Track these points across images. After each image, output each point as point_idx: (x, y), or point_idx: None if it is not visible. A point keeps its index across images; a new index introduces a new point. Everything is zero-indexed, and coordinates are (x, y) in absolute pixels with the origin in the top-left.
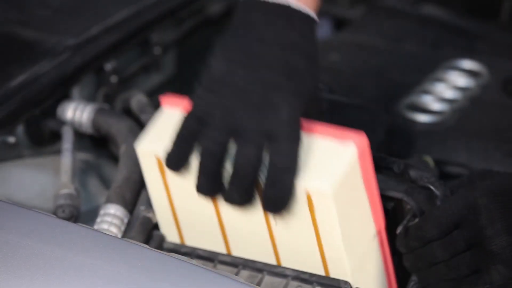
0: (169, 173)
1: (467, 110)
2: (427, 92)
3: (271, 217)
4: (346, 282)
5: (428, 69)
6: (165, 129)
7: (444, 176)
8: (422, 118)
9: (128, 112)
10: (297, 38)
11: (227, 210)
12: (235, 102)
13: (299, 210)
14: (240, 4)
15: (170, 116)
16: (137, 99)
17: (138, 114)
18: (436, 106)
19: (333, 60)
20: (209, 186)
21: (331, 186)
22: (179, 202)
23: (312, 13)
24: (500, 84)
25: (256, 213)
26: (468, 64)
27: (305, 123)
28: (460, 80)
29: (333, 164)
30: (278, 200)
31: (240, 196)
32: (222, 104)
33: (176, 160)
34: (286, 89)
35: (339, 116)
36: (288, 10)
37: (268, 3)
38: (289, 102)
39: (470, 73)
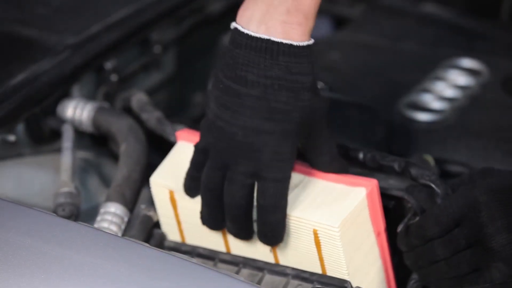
0: (180, 203)
1: (467, 108)
2: (427, 90)
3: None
4: (346, 281)
5: (428, 67)
6: (179, 163)
7: (444, 175)
8: (422, 116)
9: (128, 111)
10: (281, 74)
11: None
12: (223, 144)
13: (305, 245)
14: (230, 35)
15: (185, 151)
16: (138, 98)
17: (138, 112)
18: (436, 104)
19: (333, 59)
20: (210, 217)
21: (338, 224)
22: (188, 230)
23: (298, 41)
24: (500, 82)
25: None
26: (468, 63)
27: (319, 172)
28: (460, 78)
29: (342, 204)
30: (269, 236)
31: (236, 231)
32: (215, 144)
33: (187, 186)
34: (267, 132)
35: (339, 115)
36: (271, 45)
37: (252, 37)
38: (271, 144)
39: (470, 71)
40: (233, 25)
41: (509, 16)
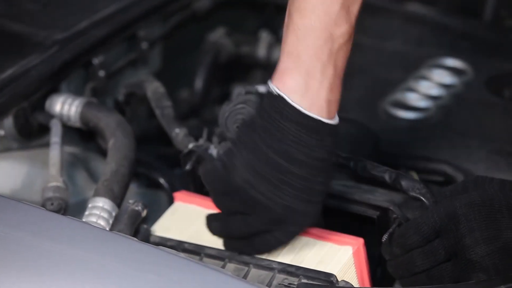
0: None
1: (451, 107)
2: (411, 89)
3: None
4: (331, 275)
5: (412, 66)
6: (173, 222)
7: (427, 172)
8: (407, 115)
9: (143, 98)
10: (326, 155)
11: None
12: (250, 211)
13: None
14: (269, 97)
15: (180, 210)
16: (154, 88)
17: (153, 105)
18: (420, 103)
19: None
20: None
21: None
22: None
23: (335, 120)
24: (484, 82)
25: None
26: (452, 62)
27: (308, 228)
28: (444, 77)
29: (330, 264)
30: None
31: None
32: (238, 208)
33: None
34: (303, 213)
35: None
36: (321, 126)
37: (302, 114)
38: (301, 222)
39: (454, 70)
40: (276, 90)
41: (493, 16)
